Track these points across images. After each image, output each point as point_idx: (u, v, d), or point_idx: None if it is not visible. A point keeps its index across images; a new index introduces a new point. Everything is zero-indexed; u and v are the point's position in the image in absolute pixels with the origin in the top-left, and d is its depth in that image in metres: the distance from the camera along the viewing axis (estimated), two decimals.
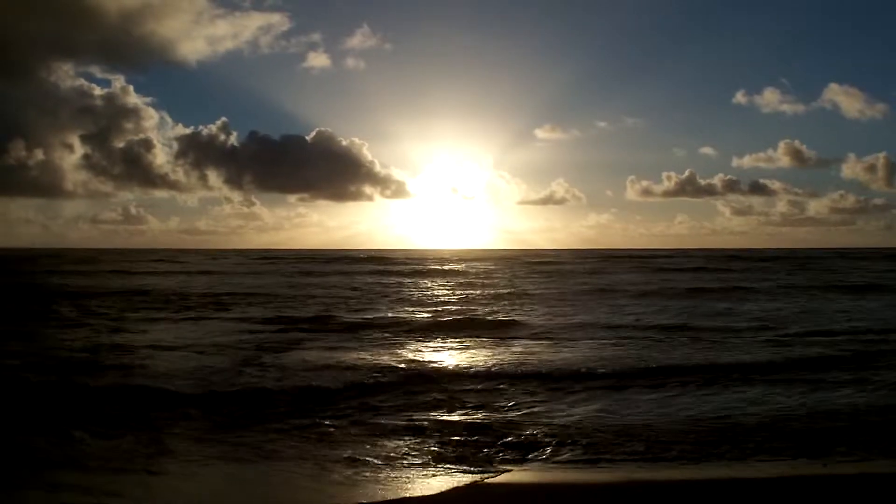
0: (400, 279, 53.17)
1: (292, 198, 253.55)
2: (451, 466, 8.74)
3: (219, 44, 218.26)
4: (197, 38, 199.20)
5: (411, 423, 10.70)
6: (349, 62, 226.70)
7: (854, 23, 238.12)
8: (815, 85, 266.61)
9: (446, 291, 40.04)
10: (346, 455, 9.08)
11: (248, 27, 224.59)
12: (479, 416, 11.18)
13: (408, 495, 7.69)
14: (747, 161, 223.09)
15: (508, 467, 8.78)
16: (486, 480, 8.24)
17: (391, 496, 7.65)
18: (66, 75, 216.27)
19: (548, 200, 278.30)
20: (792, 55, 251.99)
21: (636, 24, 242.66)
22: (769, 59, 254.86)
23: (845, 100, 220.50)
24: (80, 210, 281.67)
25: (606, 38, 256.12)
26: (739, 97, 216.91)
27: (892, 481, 8.08)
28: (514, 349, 17.80)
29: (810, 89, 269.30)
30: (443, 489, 7.90)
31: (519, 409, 11.56)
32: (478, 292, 38.55)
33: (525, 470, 8.75)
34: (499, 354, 16.99)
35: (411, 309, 28.74)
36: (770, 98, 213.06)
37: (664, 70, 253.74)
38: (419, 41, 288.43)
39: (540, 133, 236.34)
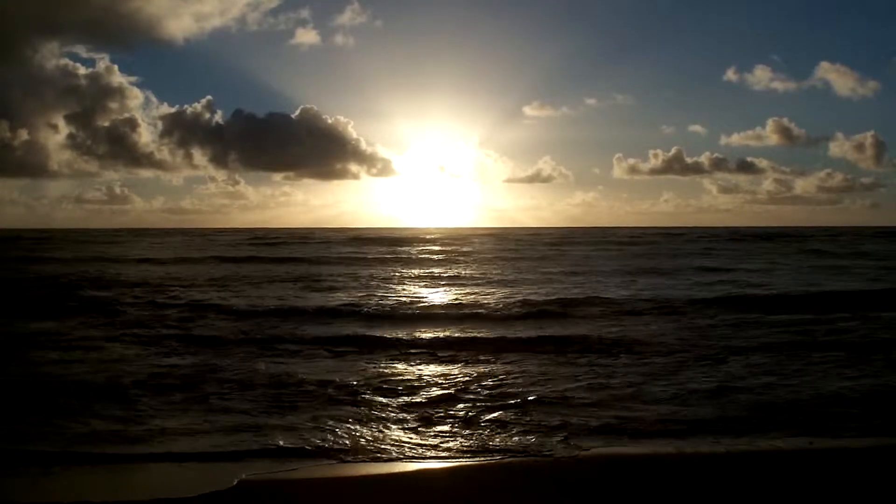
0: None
1: (277, 176, 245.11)
2: None
3: (206, 21, 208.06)
4: (184, 15, 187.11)
5: None
6: (338, 39, 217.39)
7: (847, 1, 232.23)
8: (806, 63, 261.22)
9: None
10: None
11: (236, 4, 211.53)
12: None
13: None
14: (736, 139, 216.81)
15: None
16: None
17: None
18: (51, 55, 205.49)
19: (534, 178, 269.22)
20: (784, 33, 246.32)
21: (627, 0, 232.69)
22: (761, 36, 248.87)
23: (837, 78, 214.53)
24: (65, 190, 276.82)
25: (598, 15, 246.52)
26: (730, 75, 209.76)
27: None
28: None
29: (802, 67, 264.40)
30: None
31: None
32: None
33: None
34: None
35: None
36: (761, 76, 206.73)
37: (655, 47, 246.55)
38: (409, 18, 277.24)
39: (528, 110, 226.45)
